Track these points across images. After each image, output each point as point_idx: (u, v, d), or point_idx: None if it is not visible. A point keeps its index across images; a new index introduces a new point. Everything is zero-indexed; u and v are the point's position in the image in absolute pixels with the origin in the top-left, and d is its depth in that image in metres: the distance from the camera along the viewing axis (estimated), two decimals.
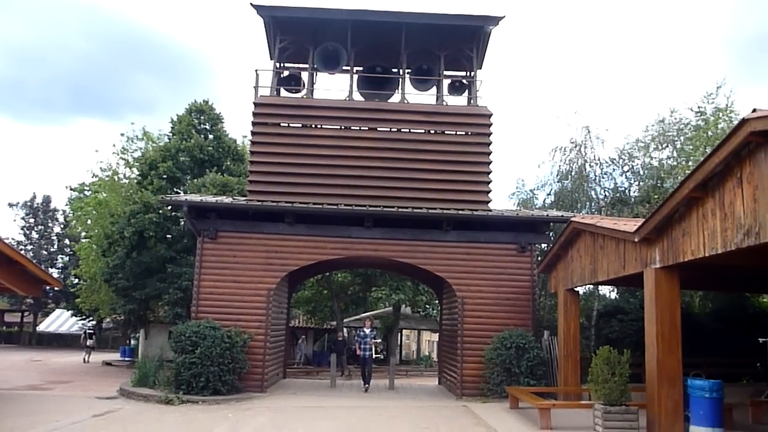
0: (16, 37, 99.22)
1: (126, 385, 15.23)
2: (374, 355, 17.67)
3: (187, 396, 13.37)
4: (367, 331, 16.49)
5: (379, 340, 16.26)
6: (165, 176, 22.68)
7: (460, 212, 15.17)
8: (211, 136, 24.71)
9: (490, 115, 15.99)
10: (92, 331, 33.47)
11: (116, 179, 27.33)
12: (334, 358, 18.54)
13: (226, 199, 16.08)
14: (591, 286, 16.97)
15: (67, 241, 45.08)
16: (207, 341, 13.54)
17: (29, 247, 48.60)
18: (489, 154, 15.83)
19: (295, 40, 16.64)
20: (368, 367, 16.20)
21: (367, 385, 15.99)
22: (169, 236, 22.05)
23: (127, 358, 28.96)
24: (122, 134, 28.82)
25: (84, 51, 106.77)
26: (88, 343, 31.05)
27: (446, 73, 17.06)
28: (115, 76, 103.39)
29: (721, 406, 8.86)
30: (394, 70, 17.24)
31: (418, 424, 10.92)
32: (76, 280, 33.14)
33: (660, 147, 20.25)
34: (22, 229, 50.00)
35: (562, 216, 15.37)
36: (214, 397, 13.38)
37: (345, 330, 30.19)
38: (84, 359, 29.40)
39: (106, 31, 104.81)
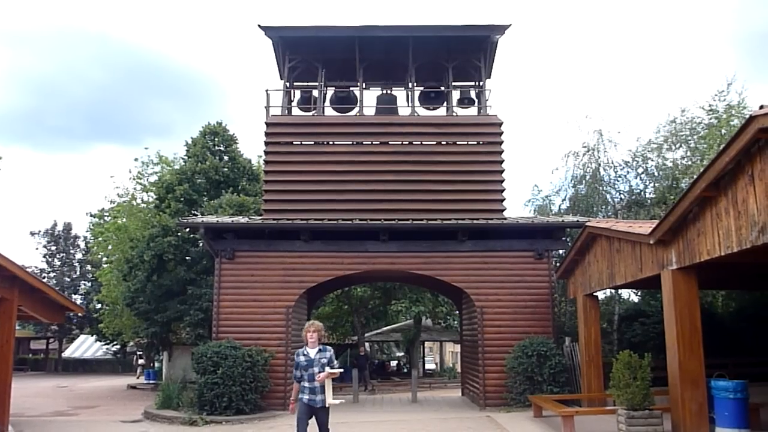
0: (32, 69, 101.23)
1: (150, 408, 15.39)
2: (332, 402, 7.63)
3: (211, 416, 13.47)
4: (312, 352, 7.70)
5: (339, 369, 7.66)
6: (182, 199, 22.93)
7: (475, 222, 15.16)
8: (225, 158, 24.97)
9: (500, 124, 16.02)
10: (142, 353, 34.79)
11: (134, 204, 27.69)
12: (356, 373, 18.52)
13: (242, 219, 16.22)
14: (612, 290, 16.81)
15: (89, 267, 45.53)
16: (228, 361, 13.64)
17: (52, 275, 49.11)
18: (501, 162, 15.85)
19: (304, 59, 16.82)
20: (320, 418, 7.78)
21: None
22: (188, 258, 22.22)
23: (151, 381, 29.16)
24: (136, 159, 29.08)
25: (98, 79, 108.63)
26: (140, 363, 34.31)
27: (455, 84, 17.13)
28: (131, 101, 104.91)
29: (747, 406, 8.76)
30: (402, 90, 17.41)
31: None
32: (99, 306, 33.54)
33: (673, 147, 20.10)
34: (44, 257, 50.52)
35: (577, 221, 15.31)
36: (238, 417, 13.46)
37: (367, 345, 30.19)
38: (137, 378, 31.55)
39: (118, 59, 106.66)
